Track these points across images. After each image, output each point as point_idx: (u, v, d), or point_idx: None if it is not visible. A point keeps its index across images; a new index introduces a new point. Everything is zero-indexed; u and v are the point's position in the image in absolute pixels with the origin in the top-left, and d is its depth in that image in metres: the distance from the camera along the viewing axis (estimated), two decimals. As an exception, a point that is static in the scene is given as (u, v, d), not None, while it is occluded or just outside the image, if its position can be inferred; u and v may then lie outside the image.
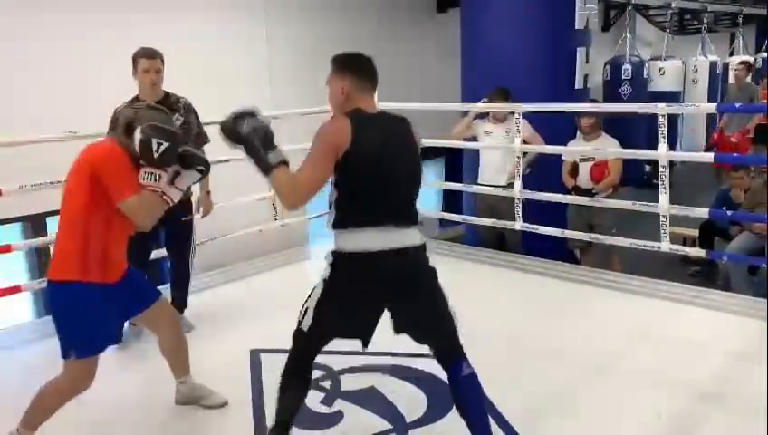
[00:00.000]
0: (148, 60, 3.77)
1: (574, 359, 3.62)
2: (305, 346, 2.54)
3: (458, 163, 6.61)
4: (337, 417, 3.10)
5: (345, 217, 2.42)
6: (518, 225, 5.08)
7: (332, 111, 2.54)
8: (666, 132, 4.33)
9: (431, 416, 3.06)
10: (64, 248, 2.68)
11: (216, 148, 3.96)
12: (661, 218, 4.38)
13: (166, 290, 3.94)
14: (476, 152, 5.75)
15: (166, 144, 2.62)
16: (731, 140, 8.64)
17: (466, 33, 6.41)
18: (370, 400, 3.22)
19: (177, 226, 3.96)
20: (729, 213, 5.28)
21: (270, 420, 3.05)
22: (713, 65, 10.77)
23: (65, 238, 2.68)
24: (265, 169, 2.38)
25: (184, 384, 3.17)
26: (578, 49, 6.18)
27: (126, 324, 3.29)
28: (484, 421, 2.51)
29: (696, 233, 6.45)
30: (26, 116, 4.62)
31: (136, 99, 3.77)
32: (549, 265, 5.15)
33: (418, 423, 3.02)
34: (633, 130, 7.26)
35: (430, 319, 2.50)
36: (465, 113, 5.73)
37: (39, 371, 2.82)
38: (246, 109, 2.45)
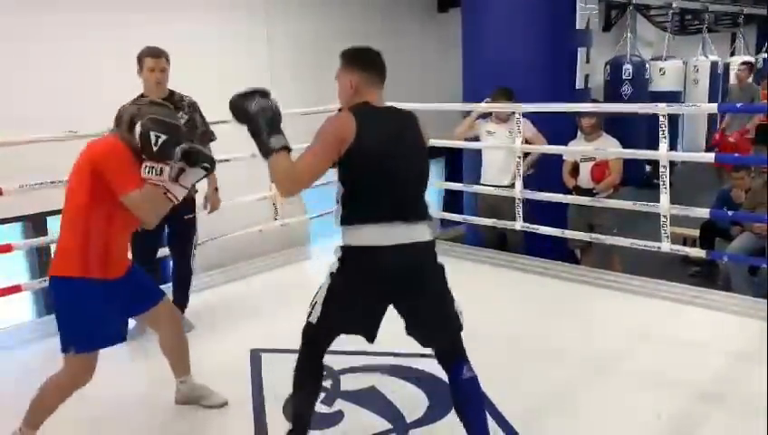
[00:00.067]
0: (153, 59, 3.79)
1: (574, 359, 3.62)
2: (315, 340, 2.53)
3: (459, 163, 6.61)
4: (337, 417, 3.09)
5: (352, 213, 2.41)
6: (518, 225, 5.08)
7: (341, 104, 2.54)
8: (666, 132, 4.33)
9: (431, 416, 3.06)
10: (66, 245, 2.69)
11: (218, 147, 4.01)
12: (662, 218, 4.38)
13: (167, 289, 3.93)
14: (477, 152, 5.75)
15: (164, 137, 2.62)
16: (729, 141, 8.64)
17: (467, 33, 6.40)
18: (371, 400, 3.22)
19: (180, 224, 3.98)
20: (730, 213, 5.28)
21: (271, 419, 3.08)
22: (714, 65, 10.77)
23: (67, 236, 2.69)
24: (266, 152, 2.37)
25: (184, 384, 3.17)
26: (579, 49, 6.17)
27: (132, 322, 3.28)
28: (482, 425, 2.51)
29: (696, 233, 6.45)
30: (26, 116, 4.61)
31: (141, 97, 3.78)
32: (549, 265, 5.15)
33: (419, 423, 3.02)
34: (634, 131, 7.26)
35: (434, 316, 2.49)
36: (467, 113, 5.73)
37: (39, 370, 2.81)
38: (257, 88, 2.44)
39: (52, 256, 2.83)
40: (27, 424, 2.76)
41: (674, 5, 10.02)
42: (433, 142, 2.96)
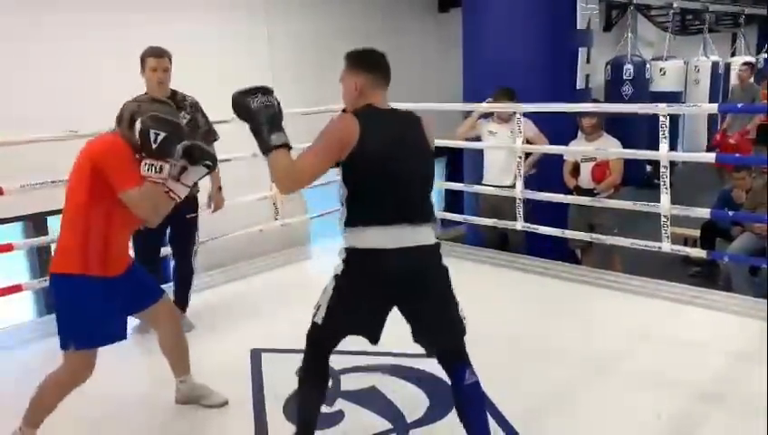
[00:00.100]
0: (156, 59, 3.81)
1: (574, 359, 3.62)
2: (320, 342, 2.53)
3: (459, 163, 6.62)
4: (338, 417, 3.09)
5: (356, 215, 2.41)
6: (519, 225, 5.08)
7: (345, 106, 2.54)
8: (667, 133, 4.33)
9: (432, 416, 3.06)
10: (66, 243, 2.70)
11: (219, 147, 4.01)
12: (662, 219, 4.38)
13: (169, 288, 3.94)
14: (478, 152, 5.75)
15: (164, 134, 2.61)
16: (730, 142, 8.64)
17: (468, 33, 6.41)
18: (371, 399, 3.22)
19: (182, 223, 3.99)
20: (731, 213, 5.27)
21: (271, 418, 3.08)
22: (714, 66, 10.77)
23: (67, 234, 2.70)
24: (266, 148, 2.38)
25: (184, 383, 3.17)
26: (579, 49, 6.17)
27: (136, 321, 3.28)
28: (483, 429, 2.51)
29: (697, 233, 6.45)
30: (26, 116, 4.62)
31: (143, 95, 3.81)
32: (549, 264, 5.15)
33: (419, 423, 3.02)
34: (634, 131, 7.26)
35: (438, 319, 2.48)
36: (468, 113, 5.73)
37: (39, 370, 2.81)
38: (260, 86, 2.45)
39: (53, 254, 2.83)
40: (27, 423, 2.76)
41: (675, 5, 10.02)
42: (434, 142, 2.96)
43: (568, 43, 6.14)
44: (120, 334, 2.81)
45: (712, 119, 10.22)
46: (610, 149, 5.40)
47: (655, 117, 4.43)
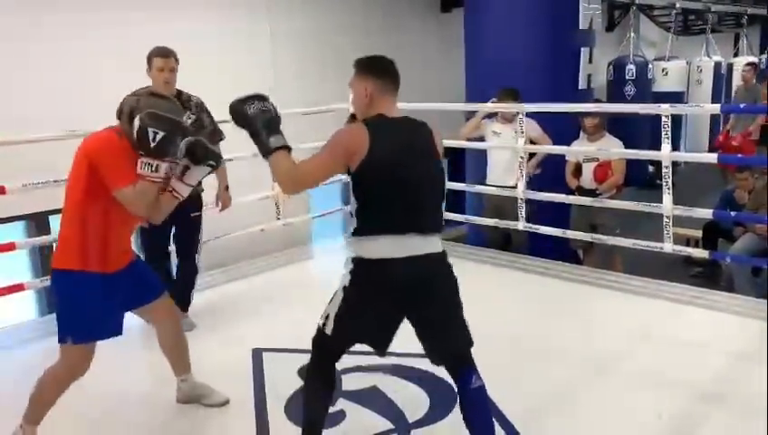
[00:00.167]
0: (162, 58, 3.83)
1: (575, 359, 3.62)
2: (328, 350, 2.53)
3: (461, 163, 6.62)
4: (339, 416, 3.09)
5: (365, 225, 2.41)
6: (521, 225, 5.08)
7: (355, 112, 2.55)
8: (669, 133, 4.33)
9: (433, 416, 3.06)
10: (65, 239, 2.71)
11: (223, 146, 4.01)
12: (664, 219, 4.37)
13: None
14: (481, 152, 5.75)
15: (162, 133, 2.57)
16: (733, 144, 8.62)
17: (470, 33, 6.41)
18: (373, 399, 3.22)
19: (186, 221, 4.00)
20: (733, 214, 5.27)
21: (272, 418, 3.08)
22: (717, 66, 10.77)
23: (65, 230, 2.71)
24: (266, 151, 2.40)
25: (185, 382, 3.17)
26: (581, 49, 6.17)
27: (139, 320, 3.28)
28: (489, 433, 2.51)
29: (699, 234, 6.44)
30: (26, 116, 4.62)
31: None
32: (551, 265, 5.15)
33: (420, 423, 3.02)
34: (637, 131, 7.27)
35: (444, 327, 2.48)
36: (471, 113, 5.73)
37: (40, 369, 2.82)
38: (256, 93, 2.48)
39: (54, 251, 2.85)
40: (28, 420, 2.78)
41: (677, 6, 10.02)
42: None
43: (570, 43, 6.14)
44: (117, 329, 2.82)
45: (714, 119, 10.21)
46: (612, 149, 5.40)
47: (657, 117, 4.43)
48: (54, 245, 2.87)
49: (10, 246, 4.09)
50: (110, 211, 2.64)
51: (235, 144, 3.71)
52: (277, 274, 5.24)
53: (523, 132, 4.98)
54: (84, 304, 2.68)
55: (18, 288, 4.11)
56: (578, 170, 5.59)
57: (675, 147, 6.35)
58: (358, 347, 2.58)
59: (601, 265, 5.30)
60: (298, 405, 2.70)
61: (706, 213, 4.68)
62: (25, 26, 4.94)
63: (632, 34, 9.33)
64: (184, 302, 4.11)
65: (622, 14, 10.09)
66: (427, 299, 2.43)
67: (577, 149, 5.56)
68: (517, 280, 5.03)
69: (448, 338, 2.49)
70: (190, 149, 2.74)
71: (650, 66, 9.45)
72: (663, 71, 9.88)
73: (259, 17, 6.51)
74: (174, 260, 4.24)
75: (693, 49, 11.17)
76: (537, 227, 5.03)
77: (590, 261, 5.61)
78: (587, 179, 5.52)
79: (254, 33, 6.45)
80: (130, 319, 3.02)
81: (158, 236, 3.99)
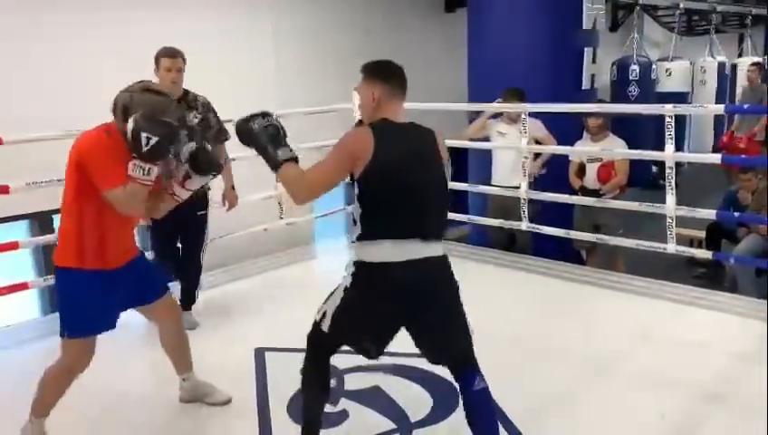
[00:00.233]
0: (169, 59, 3.86)
1: (577, 359, 3.62)
2: (322, 345, 2.55)
3: (464, 163, 6.61)
4: (341, 416, 3.10)
5: (369, 229, 2.41)
6: (524, 225, 5.08)
7: (362, 117, 2.54)
8: (673, 133, 4.32)
9: (435, 416, 3.06)
10: (63, 237, 2.73)
11: (226, 146, 4.03)
12: (667, 220, 4.37)
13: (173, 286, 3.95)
14: (484, 152, 5.74)
15: (156, 139, 2.53)
16: (739, 146, 8.59)
17: (473, 33, 6.40)
18: (375, 399, 3.22)
19: (192, 220, 4.03)
20: (736, 215, 5.25)
21: (274, 417, 3.08)
22: (721, 66, 10.75)
23: (63, 228, 2.74)
24: (275, 165, 2.41)
25: (187, 381, 3.18)
26: (585, 49, 6.17)
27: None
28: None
29: (702, 234, 6.43)
30: (26, 116, 4.61)
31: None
32: (553, 265, 5.14)
33: (423, 423, 3.02)
34: (640, 131, 7.25)
35: (445, 333, 2.48)
36: (474, 113, 5.72)
37: (45, 367, 2.83)
38: (260, 111, 2.50)
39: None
40: (35, 413, 2.80)
41: (681, 6, 9.99)
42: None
43: (573, 44, 6.13)
44: (111, 324, 2.83)
45: (718, 120, 10.19)
46: (616, 149, 5.39)
47: (661, 118, 4.42)
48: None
49: (13, 245, 4.11)
50: (104, 209, 2.64)
51: (238, 144, 3.71)
52: (280, 273, 5.24)
53: (525, 132, 4.98)
54: (80, 301, 2.71)
55: (22, 287, 4.12)
56: (581, 171, 5.59)
57: (678, 147, 6.34)
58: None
59: (604, 265, 5.29)
60: (300, 405, 2.70)
61: (710, 214, 4.67)
62: (25, 26, 4.94)
63: (636, 35, 9.31)
64: (188, 300, 4.13)
65: (626, 14, 10.07)
66: (428, 303, 2.43)
67: (580, 150, 5.55)
68: (519, 280, 5.02)
69: (450, 341, 2.49)
70: (193, 156, 2.74)
71: (654, 66, 9.44)
72: (667, 71, 9.86)
73: (262, 16, 6.51)
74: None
75: (697, 49, 11.15)
76: (540, 227, 5.02)
77: (592, 262, 5.60)
78: (590, 180, 5.52)
79: (255, 32, 6.45)
80: (132, 317, 3.03)
81: (167, 233, 4.06)
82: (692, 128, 10.49)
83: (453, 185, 6.50)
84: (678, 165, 4.60)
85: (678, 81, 9.96)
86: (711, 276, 6.11)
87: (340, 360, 3.16)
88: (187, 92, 3.97)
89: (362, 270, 2.43)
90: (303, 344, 2.57)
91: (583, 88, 6.15)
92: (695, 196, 6.22)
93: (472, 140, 5.61)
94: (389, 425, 3.01)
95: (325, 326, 2.48)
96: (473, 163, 6.34)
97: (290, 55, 6.64)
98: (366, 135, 2.38)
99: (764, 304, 4.15)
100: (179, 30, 5.35)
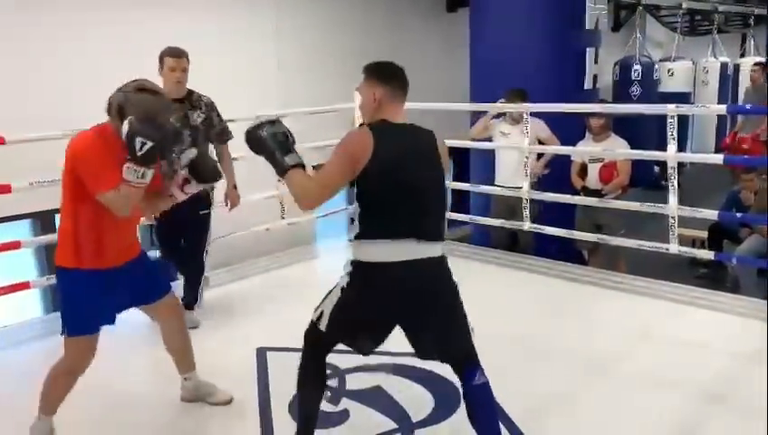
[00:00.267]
0: (174, 59, 3.88)
1: (578, 359, 3.61)
2: (319, 344, 2.56)
3: (466, 163, 6.61)
4: (343, 416, 3.10)
5: (367, 229, 2.42)
6: (526, 225, 5.08)
7: (363, 117, 2.56)
8: (675, 134, 4.32)
9: (437, 416, 3.06)
10: (61, 237, 2.75)
11: (229, 145, 4.03)
12: (669, 220, 4.36)
13: (176, 285, 3.95)
14: (486, 152, 5.74)
15: (150, 144, 2.50)
16: (743, 146, 8.57)
17: (475, 33, 6.40)
18: (377, 399, 3.22)
19: (195, 219, 4.04)
20: (738, 215, 5.24)
21: (276, 417, 3.08)
22: (723, 66, 10.73)
23: (61, 228, 2.75)
24: (282, 170, 2.44)
25: (189, 381, 3.18)
26: (587, 49, 6.16)
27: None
28: (495, 431, 2.51)
29: (705, 235, 6.42)
30: (26, 116, 4.61)
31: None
32: (555, 265, 5.14)
33: (424, 423, 3.02)
34: (643, 131, 7.24)
35: (445, 333, 2.49)
36: (476, 114, 5.72)
37: (47, 366, 2.83)
38: (269, 118, 2.52)
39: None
40: (43, 411, 2.81)
41: (683, 6, 9.98)
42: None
43: (576, 44, 6.13)
44: (109, 322, 2.83)
45: (720, 120, 10.17)
46: (618, 149, 5.39)
47: (663, 118, 4.42)
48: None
49: (16, 245, 4.11)
50: (100, 210, 2.63)
51: (241, 143, 3.72)
52: (282, 273, 5.24)
53: (527, 132, 4.98)
54: (79, 300, 2.72)
55: (24, 286, 4.12)
56: (583, 171, 5.58)
57: (681, 148, 6.33)
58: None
59: (606, 265, 5.29)
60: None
61: (712, 214, 4.67)
62: (25, 26, 4.94)
63: (638, 35, 9.30)
64: (190, 299, 4.13)
65: (628, 14, 10.05)
66: (425, 303, 2.44)
67: (582, 150, 5.55)
68: (521, 280, 5.02)
69: (451, 341, 2.49)
70: (194, 164, 2.75)
71: (656, 67, 9.42)
72: (669, 71, 9.85)
73: (263, 15, 6.51)
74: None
75: (699, 49, 11.13)
76: (542, 227, 5.02)
77: (594, 262, 5.60)
78: (592, 180, 5.51)
79: (257, 32, 6.44)
80: (134, 316, 3.03)
81: (170, 233, 4.07)
82: (694, 128, 10.46)
83: (456, 185, 6.54)
84: (680, 165, 4.60)
85: (681, 81, 9.95)
86: (713, 277, 6.11)
87: (341, 359, 3.18)
88: (191, 92, 3.99)
89: (360, 270, 2.44)
90: (304, 344, 2.57)
91: (585, 88, 6.14)
92: (697, 196, 6.22)
93: (475, 140, 5.61)
94: (391, 425, 3.01)
95: (322, 325, 2.49)
96: (475, 163, 6.34)
97: (292, 55, 6.64)
98: (365, 135, 2.39)
99: (766, 304, 4.14)
100: (180, 30, 5.35)
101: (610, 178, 5.43)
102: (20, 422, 2.84)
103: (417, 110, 3.34)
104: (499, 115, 5.54)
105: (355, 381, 3.36)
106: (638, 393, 3.25)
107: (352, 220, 2.48)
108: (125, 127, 2.51)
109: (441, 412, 3.07)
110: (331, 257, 5.37)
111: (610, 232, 5.15)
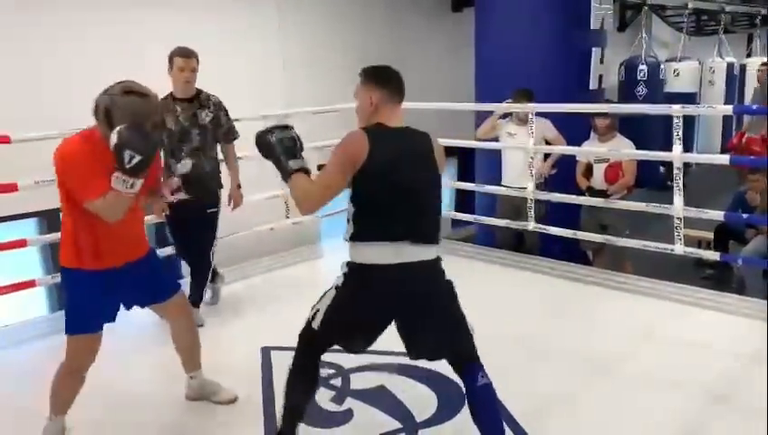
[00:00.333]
0: (183, 59, 3.92)
1: (581, 359, 3.61)
2: (313, 344, 2.57)
3: (471, 163, 6.61)
4: (347, 415, 3.10)
5: (361, 230, 2.44)
6: (531, 225, 5.07)
7: (359, 121, 2.57)
8: (681, 134, 4.31)
9: (441, 416, 3.06)
10: (63, 238, 2.76)
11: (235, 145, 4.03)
12: (675, 220, 4.35)
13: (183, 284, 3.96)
14: (492, 152, 5.74)
15: (139, 158, 2.45)
16: (753, 148, 8.53)
17: (480, 33, 6.39)
18: (380, 398, 3.23)
19: (203, 218, 4.05)
20: (745, 216, 5.23)
21: (279, 416, 3.08)
22: (729, 67, 10.70)
23: (62, 228, 2.76)
24: (285, 175, 2.48)
25: (194, 379, 3.19)
26: (593, 49, 6.15)
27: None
28: (498, 432, 2.51)
29: (710, 236, 6.40)
30: (27, 116, 4.61)
31: (170, 96, 3.95)
32: (559, 265, 5.13)
33: (428, 423, 3.02)
34: (648, 132, 7.22)
35: (443, 334, 2.49)
36: (482, 114, 5.71)
37: (50, 365, 2.84)
38: (279, 123, 2.57)
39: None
40: (54, 411, 2.82)
41: (689, 6, 9.95)
42: (446, 142, 2.97)
43: (581, 44, 6.12)
44: (111, 318, 2.83)
45: (727, 121, 10.13)
46: (624, 150, 5.38)
47: (669, 118, 4.41)
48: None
49: (21, 243, 4.12)
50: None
51: (245, 143, 3.72)
52: (286, 272, 5.25)
53: (532, 132, 4.97)
54: (81, 300, 2.73)
55: (29, 284, 4.14)
56: (589, 171, 5.57)
57: (687, 148, 6.31)
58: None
59: (611, 266, 5.28)
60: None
61: (718, 215, 4.65)
62: (25, 26, 4.95)
63: (644, 35, 9.27)
64: (196, 298, 4.14)
65: (634, 14, 10.03)
66: (420, 305, 2.45)
67: (588, 150, 5.54)
68: (526, 280, 5.02)
69: (450, 342, 2.50)
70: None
71: (662, 67, 9.40)
72: (675, 71, 9.82)
73: (267, 14, 6.51)
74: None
75: (705, 50, 11.09)
76: (547, 227, 5.02)
77: (599, 262, 5.58)
78: (598, 180, 5.50)
79: (261, 31, 6.44)
80: (139, 316, 3.04)
81: (178, 231, 4.13)
82: (700, 128, 10.44)
83: (461, 185, 6.54)
84: (686, 166, 4.59)
85: (687, 81, 9.91)
86: (718, 278, 6.09)
87: (345, 359, 3.19)
88: (199, 92, 4.03)
89: (355, 271, 2.46)
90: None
91: (591, 88, 6.13)
92: (702, 197, 6.21)
93: (481, 140, 5.61)
94: (395, 424, 3.01)
95: (316, 324, 2.51)
96: (481, 163, 6.33)
97: (296, 55, 6.64)
98: (361, 137, 2.42)
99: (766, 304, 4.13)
100: (184, 29, 5.37)
101: (616, 178, 5.41)
102: (21, 421, 2.85)
103: (422, 109, 3.34)
104: (506, 115, 5.53)
105: (359, 381, 3.37)
106: (640, 394, 3.25)
107: (348, 220, 2.49)
108: (114, 138, 2.45)
109: (445, 412, 3.06)
110: (336, 257, 5.30)
111: (616, 232, 5.14)
